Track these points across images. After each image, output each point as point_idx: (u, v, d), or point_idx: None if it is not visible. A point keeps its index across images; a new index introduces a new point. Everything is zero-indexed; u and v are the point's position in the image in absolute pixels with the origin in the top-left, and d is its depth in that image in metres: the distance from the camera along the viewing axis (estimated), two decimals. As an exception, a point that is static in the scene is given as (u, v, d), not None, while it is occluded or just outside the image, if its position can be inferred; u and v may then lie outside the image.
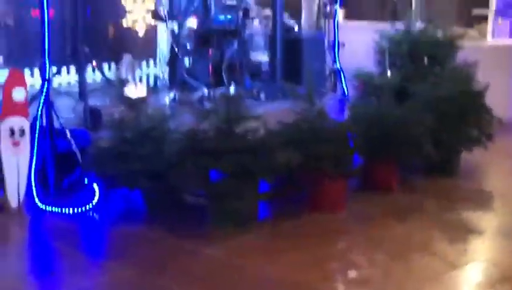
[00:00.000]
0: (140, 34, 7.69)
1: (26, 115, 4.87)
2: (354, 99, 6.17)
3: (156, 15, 6.72)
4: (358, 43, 6.72)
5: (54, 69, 6.04)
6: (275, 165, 4.55)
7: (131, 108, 4.92)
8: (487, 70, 6.25)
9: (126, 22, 7.62)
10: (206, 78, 6.47)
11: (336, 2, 7.32)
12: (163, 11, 6.33)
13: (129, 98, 5.01)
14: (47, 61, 5.00)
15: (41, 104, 5.00)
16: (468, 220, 4.88)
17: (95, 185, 4.89)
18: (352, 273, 4.05)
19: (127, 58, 6.93)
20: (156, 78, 7.41)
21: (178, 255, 4.19)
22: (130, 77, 6.82)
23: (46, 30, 4.96)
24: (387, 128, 5.33)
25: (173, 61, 6.61)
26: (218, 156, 4.46)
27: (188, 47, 6.45)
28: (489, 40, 8.28)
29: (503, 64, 7.57)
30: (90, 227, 4.73)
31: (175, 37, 6.41)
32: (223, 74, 6.52)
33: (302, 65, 6.99)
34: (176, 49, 6.40)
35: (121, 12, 7.64)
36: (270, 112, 5.99)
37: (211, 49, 6.49)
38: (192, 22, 6.41)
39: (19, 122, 4.83)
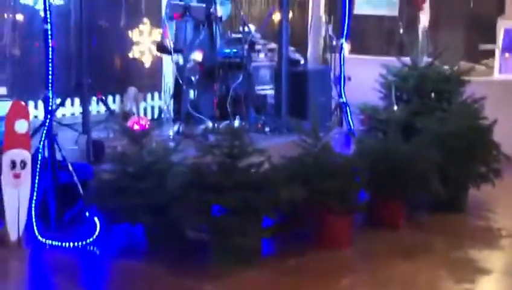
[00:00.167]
0: (147, 65, 7.68)
1: (28, 148, 4.82)
2: (360, 133, 6.11)
3: (161, 47, 6.71)
4: (364, 77, 6.67)
5: (58, 100, 6.02)
6: (279, 201, 4.47)
7: (135, 141, 4.87)
8: (494, 106, 6.19)
9: (132, 54, 7.62)
10: (211, 111, 6.43)
11: (342, 36, 7.29)
12: (170, 43, 6.31)
13: (132, 131, 4.96)
14: (50, 94, 4.96)
15: (43, 137, 4.95)
16: (475, 259, 4.79)
17: (96, 219, 4.82)
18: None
19: (131, 90, 6.91)
20: (160, 110, 7.37)
21: (178, 292, 4.11)
22: (134, 109, 6.80)
23: (50, 63, 4.93)
24: (394, 164, 5.25)
25: (178, 93, 6.58)
26: (221, 191, 4.39)
27: (193, 80, 6.41)
28: (497, 75, 8.23)
29: (510, 100, 7.50)
30: (90, 262, 4.66)
31: (180, 70, 6.39)
32: (228, 107, 6.48)
33: (307, 99, 6.95)
34: (181, 82, 6.36)
35: (127, 44, 7.64)
36: (275, 146, 5.95)
37: (216, 82, 6.46)
38: (197, 55, 6.39)
39: (21, 154, 4.79)
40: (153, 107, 7.70)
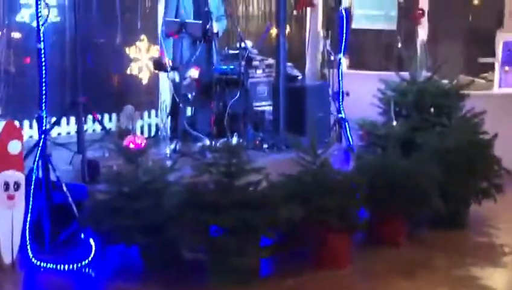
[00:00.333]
0: (144, 81, 7.63)
1: (21, 169, 4.75)
2: (359, 149, 6.04)
3: (157, 64, 6.66)
4: (363, 92, 6.61)
5: (53, 119, 5.96)
6: (277, 220, 4.40)
7: (130, 161, 4.80)
8: (495, 120, 6.14)
9: (130, 70, 7.57)
10: (208, 128, 6.36)
11: (340, 52, 7.23)
12: (168, 61, 6.25)
13: (128, 150, 4.88)
14: (44, 113, 4.90)
15: (37, 157, 4.88)
16: (478, 277, 4.71)
17: (91, 241, 4.73)
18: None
19: (127, 108, 6.84)
20: (157, 128, 7.31)
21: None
22: (130, 127, 6.72)
23: (44, 82, 4.87)
24: (394, 180, 5.18)
25: (175, 111, 6.51)
26: (218, 211, 4.32)
27: (190, 97, 6.35)
28: (497, 89, 8.17)
29: (510, 113, 7.44)
30: (85, 284, 4.58)
31: (176, 87, 6.33)
32: (225, 123, 6.41)
33: (306, 114, 6.87)
34: (177, 99, 6.30)
35: (124, 61, 7.60)
36: (273, 163, 5.89)
37: (213, 98, 6.39)
38: (193, 72, 6.33)
39: (14, 176, 4.71)
40: (150, 125, 7.64)
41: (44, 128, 4.97)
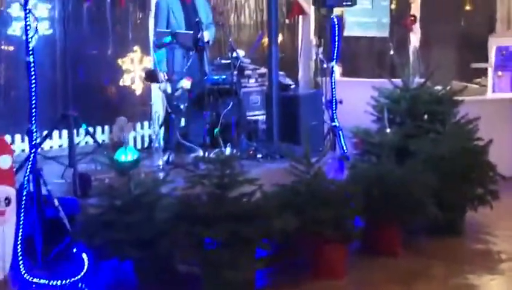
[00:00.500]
0: (138, 92, 7.59)
1: (12, 184, 4.67)
2: (353, 158, 6.00)
3: (149, 76, 6.61)
4: (356, 100, 6.58)
5: (45, 132, 5.90)
6: (271, 231, 4.35)
7: (122, 173, 4.75)
8: (489, 125, 6.12)
9: (123, 82, 7.52)
10: (201, 138, 6.30)
11: (333, 59, 7.20)
12: (164, 74, 6.20)
13: (120, 163, 4.83)
14: (34, 127, 4.84)
15: (28, 172, 4.82)
16: (476, 285, 4.68)
17: (84, 255, 4.67)
18: None
19: (120, 120, 6.79)
20: (150, 140, 7.26)
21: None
22: (123, 140, 6.67)
23: (33, 96, 4.81)
24: (389, 189, 5.15)
25: (167, 122, 6.46)
26: (211, 223, 4.27)
27: (182, 107, 6.31)
28: (490, 94, 8.15)
29: (504, 118, 7.42)
30: (78, 299, 4.52)
31: (168, 98, 6.28)
32: (219, 134, 6.36)
33: (299, 123, 6.83)
34: (169, 110, 6.25)
35: (116, 72, 7.55)
36: (267, 173, 5.85)
37: (206, 109, 6.34)
38: (185, 82, 6.28)
39: (5, 191, 4.62)
40: (143, 137, 7.59)
41: (34, 142, 4.90)
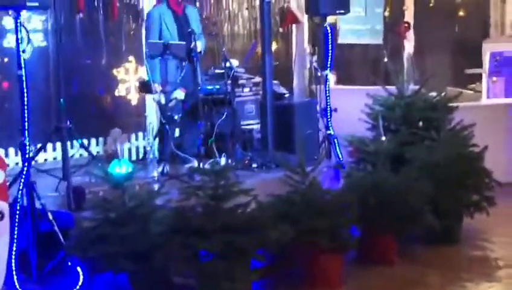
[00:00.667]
0: (133, 102, 7.57)
1: (5, 198, 4.63)
2: (348, 166, 5.98)
3: (143, 87, 6.60)
4: (351, 108, 6.57)
5: (39, 145, 5.88)
6: (267, 242, 4.32)
7: (116, 186, 4.72)
8: (484, 131, 6.10)
9: (118, 92, 7.51)
10: (196, 149, 6.28)
11: (327, 68, 7.19)
12: (157, 85, 6.19)
13: (114, 176, 4.81)
14: (27, 141, 4.82)
15: (21, 185, 4.80)
16: (474, 293, 4.64)
17: (78, 269, 4.64)
18: None
19: (115, 131, 6.77)
20: (145, 151, 7.23)
21: None
22: (118, 151, 6.64)
23: (26, 109, 4.79)
24: (384, 197, 5.12)
25: (162, 133, 6.44)
26: (206, 235, 4.24)
27: (176, 118, 6.29)
28: (485, 99, 8.15)
29: (499, 124, 7.41)
30: (74, 314, 4.49)
31: (162, 109, 6.26)
32: (213, 144, 6.34)
33: (294, 132, 6.82)
34: (163, 121, 6.23)
35: (110, 84, 7.54)
36: (263, 182, 5.83)
37: (200, 119, 6.33)
38: (179, 93, 6.27)
39: (-2, 205, 4.61)
40: (137, 148, 7.56)
41: (27, 156, 4.87)
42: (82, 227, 4.69)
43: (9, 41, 6.74)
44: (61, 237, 4.78)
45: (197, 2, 7.67)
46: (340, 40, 8.71)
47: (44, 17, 6.99)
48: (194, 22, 6.57)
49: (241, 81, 7.28)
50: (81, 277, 4.63)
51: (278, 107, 6.87)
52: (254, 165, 6.39)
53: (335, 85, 8.33)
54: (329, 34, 7.13)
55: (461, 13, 10.44)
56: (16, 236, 4.70)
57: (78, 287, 4.61)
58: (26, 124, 4.83)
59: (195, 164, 6.04)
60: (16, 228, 4.70)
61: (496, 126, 7.26)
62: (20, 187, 4.82)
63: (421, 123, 6.02)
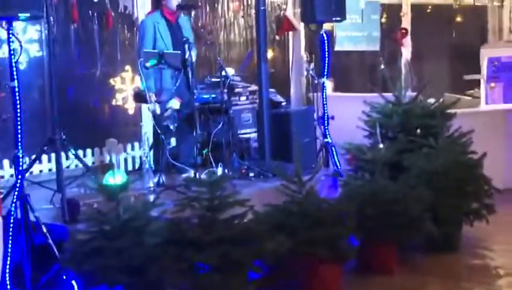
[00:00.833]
0: (131, 112, 7.51)
1: (-2, 211, 4.59)
2: (346, 174, 5.92)
3: (138, 96, 6.55)
4: (349, 115, 6.52)
5: (33, 156, 5.83)
6: (263, 253, 4.26)
7: (111, 198, 4.66)
8: (483, 137, 6.05)
9: (115, 102, 7.46)
10: (192, 159, 6.22)
11: (324, 75, 7.14)
12: (152, 95, 6.14)
13: (109, 187, 4.74)
14: (20, 153, 4.76)
15: (14, 198, 4.74)
16: (474, 303, 4.58)
17: (73, 282, 4.57)
18: None
19: (110, 142, 6.70)
20: (140, 161, 7.18)
21: None
22: (113, 161, 6.58)
23: (19, 121, 4.73)
24: (383, 206, 5.07)
25: (157, 143, 6.38)
26: (202, 247, 4.18)
27: (172, 128, 6.23)
28: (483, 105, 8.10)
29: (497, 130, 7.36)
30: (68, 328, 4.42)
31: (157, 119, 6.20)
32: (210, 153, 6.29)
33: (291, 140, 6.76)
34: (159, 131, 6.18)
35: (106, 94, 7.49)
36: (260, 192, 5.78)
37: (196, 128, 6.27)
38: (174, 103, 6.22)
39: (-9, 219, 4.55)
40: (134, 158, 7.50)
41: (21, 168, 4.81)
42: (76, 240, 4.61)
43: (4, 52, 6.69)
44: (55, 250, 4.72)
45: (192, 11, 7.59)
46: (336, 47, 8.66)
47: (40, 28, 6.95)
48: (187, 31, 6.54)
49: (237, 90, 7.23)
50: (76, 291, 4.56)
51: (275, 116, 6.82)
52: (251, 175, 6.34)
53: (332, 92, 8.28)
54: (326, 41, 7.09)
55: (459, 19, 10.41)
56: (10, 250, 4.64)
57: (73, 300, 4.54)
58: (19, 136, 4.76)
59: (192, 173, 5.99)
60: (10, 242, 4.65)
61: (495, 132, 7.21)
62: (14, 200, 4.76)
63: (419, 130, 5.96)
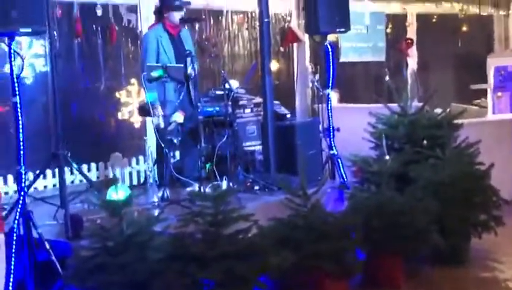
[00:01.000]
0: (136, 125, 7.49)
1: (1, 229, 4.55)
2: (352, 187, 5.86)
3: (142, 110, 6.52)
4: (355, 126, 6.48)
5: (37, 172, 5.80)
6: (268, 268, 4.20)
7: (114, 213, 4.61)
8: (490, 148, 5.99)
9: (122, 115, 7.44)
10: (197, 172, 6.18)
11: (328, 87, 7.09)
12: (156, 108, 6.10)
13: (111, 203, 4.70)
14: (23, 169, 4.73)
15: (17, 214, 4.70)
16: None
17: (77, 299, 4.53)
18: None
19: (114, 156, 6.68)
20: (145, 175, 7.13)
21: None
22: (117, 175, 6.55)
23: (21, 137, 4.70)
24: (389, 218, 5.01)
25: (161, 157, 6.34)
26: (206, 263, 4.13)
27: (176, 141, 6.19)
28: (490, 115, 8.03)
29: (505, 140, 7.29)
30: None
31: (161, 133, 6.16)
32: (214, 166, 6.24)
33: (296, 153, 6.70)
34: (162, 145, 6.14)
35: (111, 108, 7.47)
36: (265, 205, 5.73)
37: (201, 141, 6.23)
38: (178, 116, 6.18)
39: (-7, 236, 4.52)
40: (138, 172, 7.47)
41: (23, 184, 4.78)
42: (80, 256, 4.56)
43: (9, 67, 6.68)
44: (58, 267, 4.68)
45: (196, 24, 7.58)
46: (342, 58, 8.63)
47: (45, 42, 6.94)
48: (189, 44, 6.52)
49: (241, 102, 7.18)
50: (80, 308, 4.51)
51: (280, 128, 6.77)
52: (256, 188, 6.28)
53: (337, 104, 8.23)
54: (331, 53, 7.05)
55: (464, 28, 10.35)
56: (13, 266, 4.61)
57: (76, 318, 4.49)
58: (21, 152, 4.73)
59: (196, 187, 5.94)
60: (13, 258, 4.61)
61: (502, 142, 7.14)
62: (17, 217, 4.73)
63: (425, 141, 5.91)
